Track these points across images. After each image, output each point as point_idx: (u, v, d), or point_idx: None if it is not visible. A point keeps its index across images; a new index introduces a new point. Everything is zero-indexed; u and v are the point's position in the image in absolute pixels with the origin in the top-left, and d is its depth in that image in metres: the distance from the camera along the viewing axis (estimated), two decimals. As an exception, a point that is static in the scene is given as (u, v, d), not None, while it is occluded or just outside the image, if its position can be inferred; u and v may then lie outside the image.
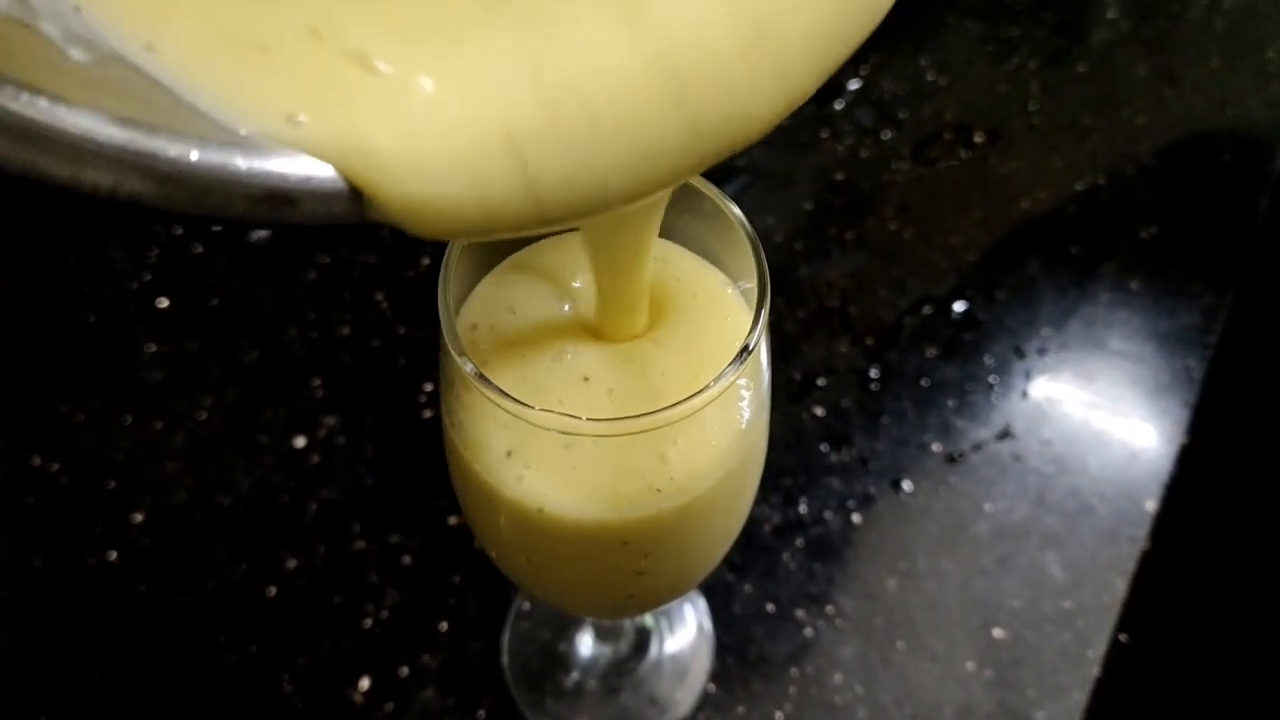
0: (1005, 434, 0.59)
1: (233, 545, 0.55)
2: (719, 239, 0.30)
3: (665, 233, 0.31)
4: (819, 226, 0.65)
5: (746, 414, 0.29)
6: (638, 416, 0.27)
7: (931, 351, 0.61)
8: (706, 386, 0.27)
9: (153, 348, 0.60)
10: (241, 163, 0.19)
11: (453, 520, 0.56)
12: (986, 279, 0.64)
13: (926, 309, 0.62)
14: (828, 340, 0.61)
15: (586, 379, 0.29)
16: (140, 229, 0.62)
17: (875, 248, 0.65)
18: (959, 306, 0.63)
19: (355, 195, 0.19)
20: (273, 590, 0.54)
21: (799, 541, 0.56)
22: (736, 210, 0.29)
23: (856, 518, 0.57)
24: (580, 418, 0.26)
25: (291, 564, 0.55)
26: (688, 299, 0.30)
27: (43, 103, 0.18)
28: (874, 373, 0.61)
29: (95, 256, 0.62)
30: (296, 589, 0.54)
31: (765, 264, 0.29)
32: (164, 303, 0.61)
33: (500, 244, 0.30)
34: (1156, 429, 0.59)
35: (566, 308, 0.30)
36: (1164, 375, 0.61)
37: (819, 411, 0.59)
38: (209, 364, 0.59)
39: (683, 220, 0.31)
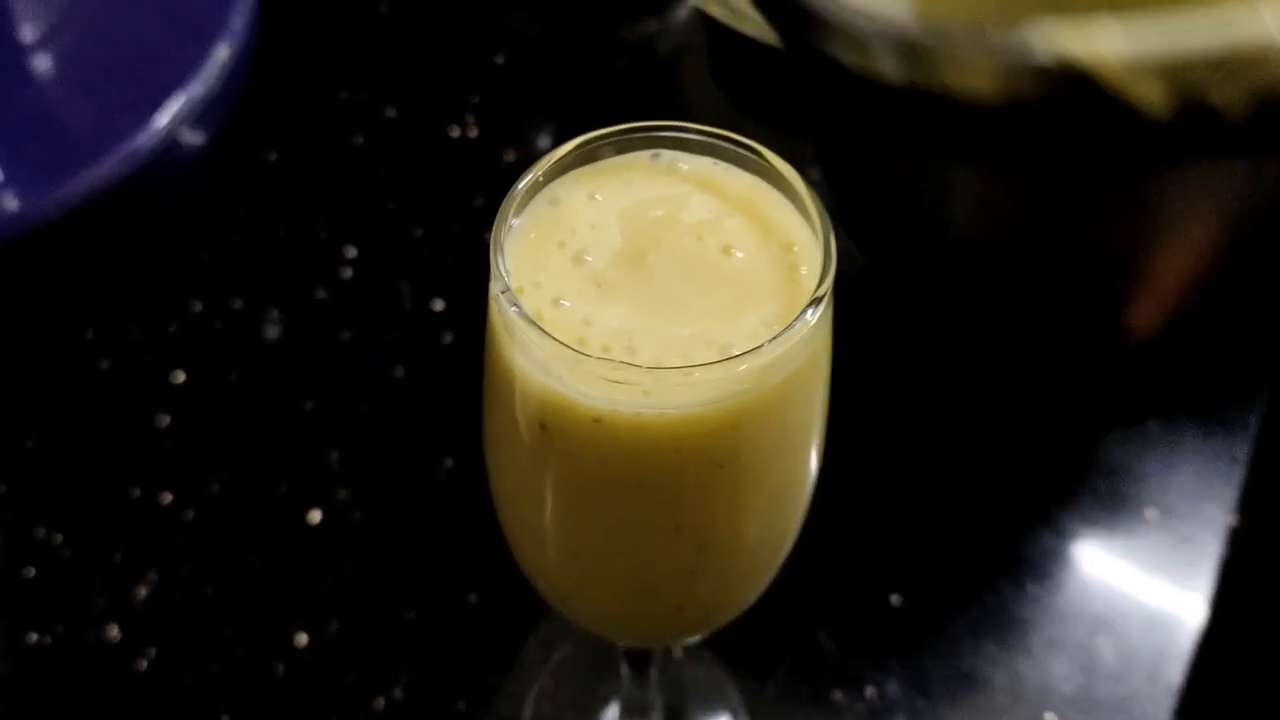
0: (1047, 515, 0.57)
1: (240, 621, 0.53)
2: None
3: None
4: None
5: (810, 382, 0.28)
6: (697, 366, 0.25)
7: (966, 431, 0.60)
8: (773, 337, 0.26)
9: (166, 420, 0.58)
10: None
11: (472, 597, 0.53)
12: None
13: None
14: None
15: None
16: (161, 306, 0.62)
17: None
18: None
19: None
20: (280, 668, 0.51)
21: (836, 622, 0.53)
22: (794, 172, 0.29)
23: (895, 599, 0.54)
24: (639, 365, 0.25)
25: (301, 640, 0.52)
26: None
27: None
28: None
29: (114, 333, 0.61)
30: (306, 667, 0.52)
31: (827, 215, 0.28)
32: (180, 377, 0.59)
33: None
34: (1204, 510, 0.57)
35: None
36: (1208, 458, 0.59)
37: (852, 489, 0.57)
38: (223, 438, 0.58)
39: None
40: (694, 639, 0.37)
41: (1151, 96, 0.35)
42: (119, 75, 0.60)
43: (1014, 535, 0.56)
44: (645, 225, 0.29)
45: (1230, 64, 0.34)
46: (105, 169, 0.55)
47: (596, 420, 0.26)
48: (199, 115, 0.59)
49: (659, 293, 0.28)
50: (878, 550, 0.55)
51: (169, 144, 0.57)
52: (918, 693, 0.51)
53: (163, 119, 0.57)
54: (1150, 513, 0.57)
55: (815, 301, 0.26)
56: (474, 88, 0.70)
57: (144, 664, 0.51)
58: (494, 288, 0.27)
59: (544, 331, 0.26)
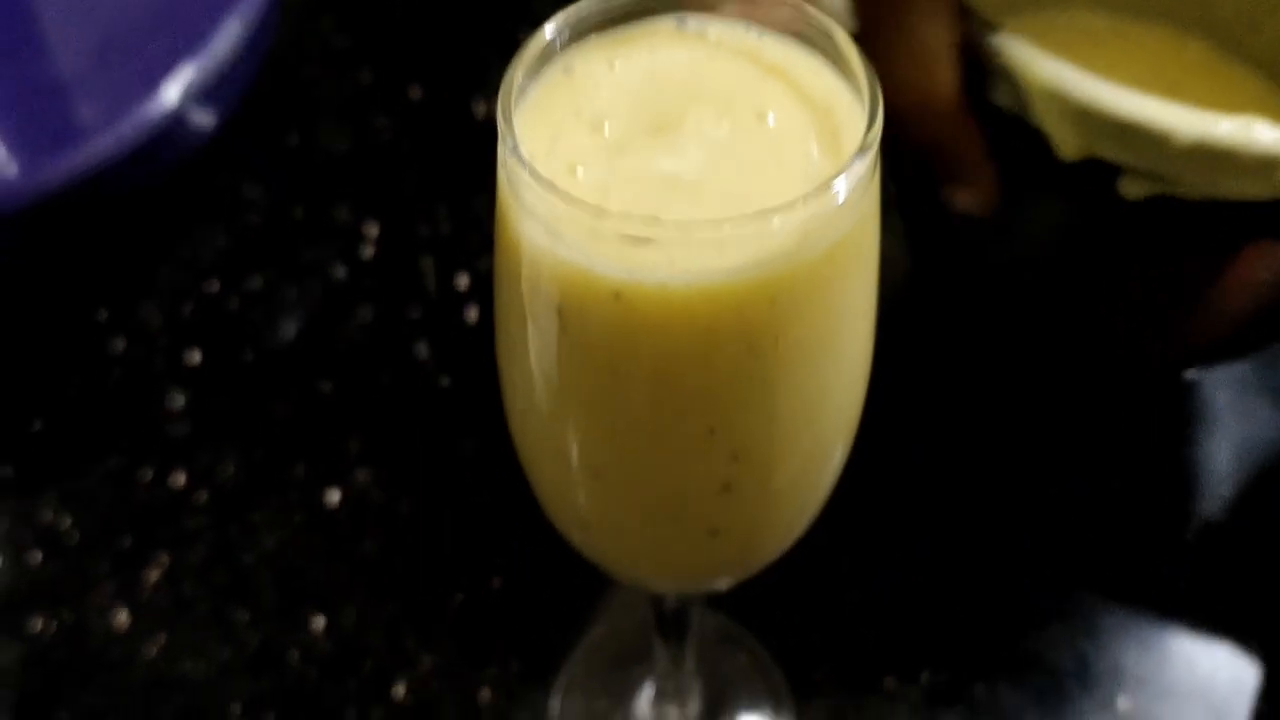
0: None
1: (254, 606, 0.50)
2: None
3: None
4: None
5: (854, 262, 0.25)
6: (728, 220, 0.22)
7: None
8: (812, 191, 0.23)
9: (180, 401, 0.56)
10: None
11: (496, 581, 0.50)
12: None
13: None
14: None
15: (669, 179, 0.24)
16: (176, 286, 0.60)
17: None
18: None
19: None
20: (295, 655, 0.48)
21: (890, 604, 0.49)
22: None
23: (952, 578, 0.50)
24: (664, 221, 0.22)
25: (318, 625, 0.49)
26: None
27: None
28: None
29: (127, 314, 0.59)
30: (322, 653, 0.48)
31: (874, 72, 0.25)
32: (195, 357, 0.57)
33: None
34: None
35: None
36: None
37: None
38: (239, 418, 0.55)
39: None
40: (730, 582, 0.34)
41: (1062, 135, 0.36)
42: (126, 46, 0.59)
43: (1080, 514, 0.52)
44: (670, 92, 0.26)
45: (1133, 136, 0.35)
46: (109, 139, 0.53)
47: (617, 295, 0.23)
48: (209, 88, 0.57)
49: (685, 161, 0.25)
50: (934, 530, 0.51)
51: (177, 117, 0.55)
52: (977, 678, 0.47)
53: (171, 90, 0.55)
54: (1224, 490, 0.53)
55: (861, 152, 0.23)
56: (500, 65, 0.68)
57: (153, 650, 0.49)
58: (501, 151, 0.24)
59: (558, 190, 0.23)
